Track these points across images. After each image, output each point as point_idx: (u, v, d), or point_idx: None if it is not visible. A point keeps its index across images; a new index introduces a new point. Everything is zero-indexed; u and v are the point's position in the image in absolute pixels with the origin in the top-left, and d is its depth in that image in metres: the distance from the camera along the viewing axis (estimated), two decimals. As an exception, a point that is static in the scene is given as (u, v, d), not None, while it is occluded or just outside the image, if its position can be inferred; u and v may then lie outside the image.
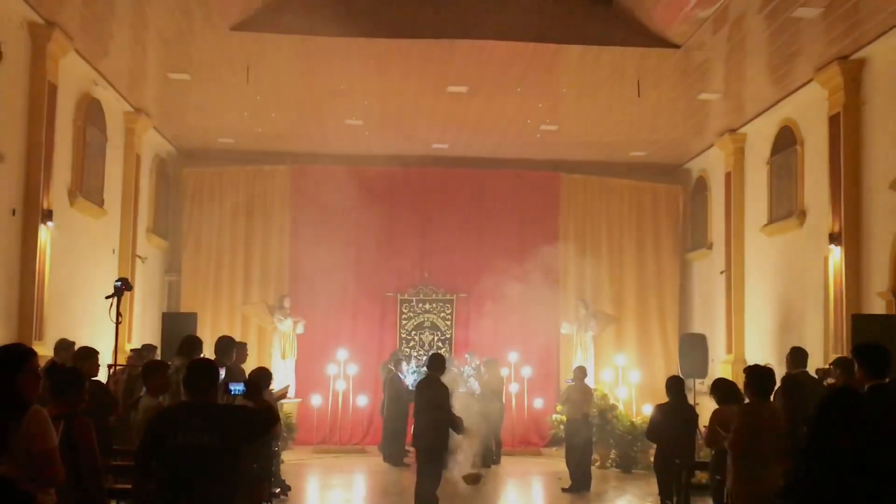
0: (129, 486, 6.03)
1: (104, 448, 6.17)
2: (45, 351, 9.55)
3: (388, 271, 16.40)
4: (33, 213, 10.40)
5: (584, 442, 11.55)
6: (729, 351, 14.49)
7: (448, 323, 16.45)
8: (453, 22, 10.81)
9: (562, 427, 15.04)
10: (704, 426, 9.36)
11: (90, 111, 12.27)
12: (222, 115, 14.18)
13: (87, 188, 12.17)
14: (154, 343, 12.51)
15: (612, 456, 13.58)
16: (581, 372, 11.92)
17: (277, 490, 10.33)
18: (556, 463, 14.13)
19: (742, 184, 14.60)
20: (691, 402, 11.03)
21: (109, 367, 9.49)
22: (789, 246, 12.81)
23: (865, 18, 9.72)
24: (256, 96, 13.06)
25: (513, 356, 15.44)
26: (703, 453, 10.01)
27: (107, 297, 8.24)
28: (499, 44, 11.00)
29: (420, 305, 16.46)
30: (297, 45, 11.15)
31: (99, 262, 12.96)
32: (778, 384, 7.08)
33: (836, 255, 11.06)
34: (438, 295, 16.47)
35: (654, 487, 9.50)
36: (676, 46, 10.89)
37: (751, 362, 12.11)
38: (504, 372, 14.87)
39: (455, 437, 9.87)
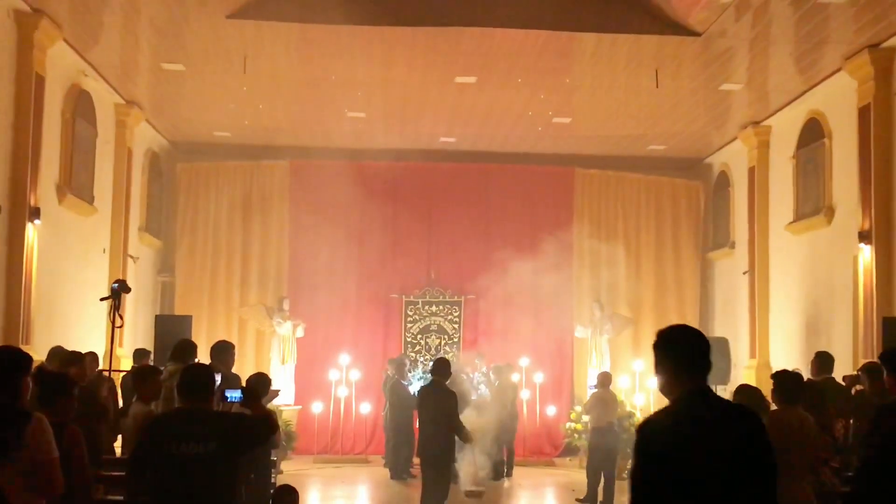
0: (121, 498, 6.02)
1: (94, 457, 6.17)
2: (32, 355, 9.55)
3: (392, 272, 16.38)
4: (20, 210, 10.41)
5: (609, 452, 11.33)
6: (752, 356, 14.44)
7: (455, 326, 16.44)
8: (461, 8, 10.79)
9: (576, 436, 15.05)
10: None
11: (79, 103, 12.29)
12: (218, 107, 14.18)
13: (76, 184, 12.19)
14: (147, 347, 12.52)
15: (629, 466, 13.53)
16: (605, 378, 11.77)
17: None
18: (570, 474, 14.09)
19: (766, 179, 14.55)
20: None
21: (102, 371, 9.50)
22: (816, 245, 12.76)
23: (897, 4, 9.68)
24: (254, 88, 13.06)
25: (524, 361, 15.42)
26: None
27: (102, 300, 8.25)
28: (509, 31, 10.98)
29: (426, 308, 16.44)
30: (297, 33, 11.15)
31: (89, 262, 12.98)
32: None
33: (865, 254, 11.00)
34: (445, 296, 16.46)
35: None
36: (697, 34, 10.85)
37: (775, 368, 12.07)
38: (515, 377, 14.75)
39: (462, 448, 9.87)
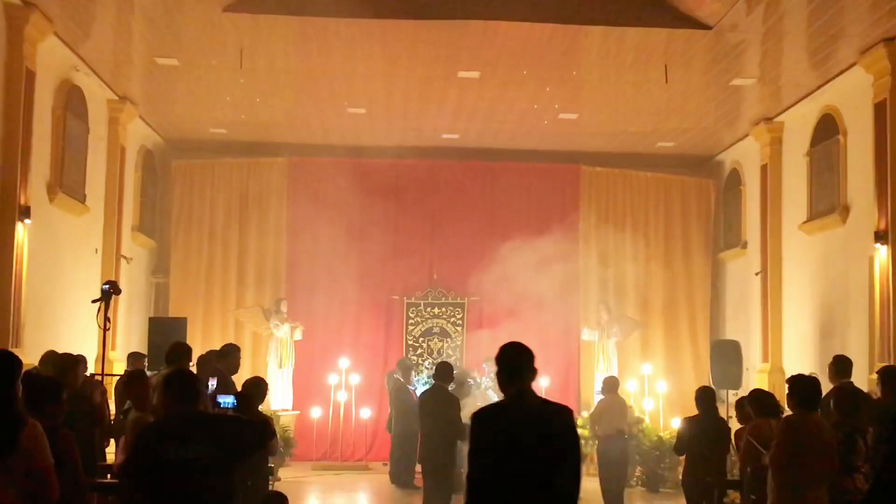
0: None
1: (88, 464, 6.18)
2: (22, 359, 9.55)
3: (393, 273, 16.38)
4: (9, 209, 10.42)
5: (619, 460, 11.06)
6: (765, 359, 14.43)
7: (458, 329, 16.43)
8: (464, 1, 10.79)
9: (583, 443, 15.03)
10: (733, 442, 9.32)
11: (71, 99, 12.30)
12: (214, 103, 14.19)
13: (67, 183, 12.19)
14: (141, 350, 12.52)
15: (638, 473, 13.52)
16: (612, 383, 11.56)
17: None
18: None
19: (779, 177, 14.54)
20: (724, 415, 10.99)
21: (92, 376, 9.50)
22: (831, 245, 12.75)
23: (915, -4, 9.66)
24: (251, 83, 13.06)
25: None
26: (734, 471, 9.96)
27: (93, 301, 8.25)
28: (514, 25, 10.97)
29: (428, 310, 16.43)
30: (295, 26, 11.15)
31: (80, 262, 12.99)
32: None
33: (882, 254, 10.99)
34: (448, 298, 16.45)
35: (684, 508, 9.45)
36: (708, 27, 10.84)
37: (789, 372, 12.08)
38: None
39: (464, 453, 9.84)
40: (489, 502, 4.43)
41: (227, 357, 8.97)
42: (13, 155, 10.45)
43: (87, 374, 9.43)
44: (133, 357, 11.31)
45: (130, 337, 14.65)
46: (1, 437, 4.08)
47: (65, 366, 7.63)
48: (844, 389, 7.40)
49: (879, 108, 11.14)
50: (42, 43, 11.00)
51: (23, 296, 10.58)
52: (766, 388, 11.88)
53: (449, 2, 10.78)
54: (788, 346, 14.05)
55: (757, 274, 14.95)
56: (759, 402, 7.39)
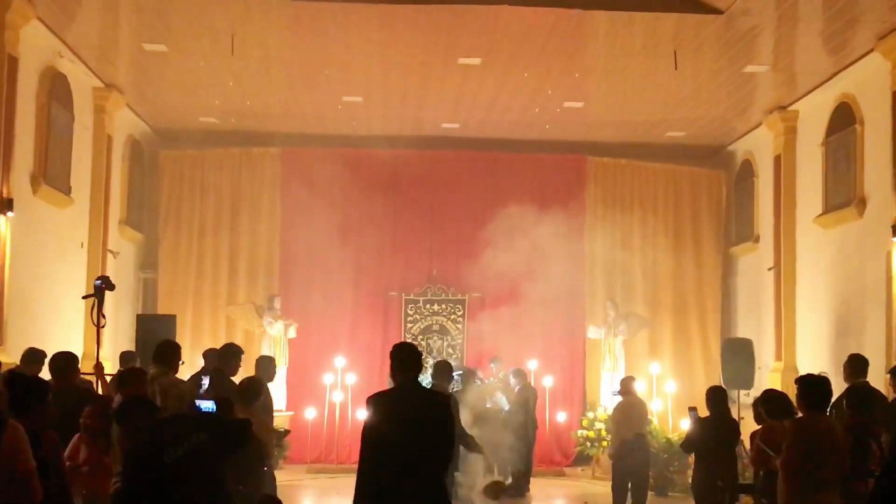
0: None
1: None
2: (5, 358, 9.57)
3: (391, 268, 16.39)
4: (-9, 202, 10.43)
5: (638, 467, 10.75)
6: (778, 358, 14.43)
7: (459, 326, 16.44)
8: (465, -15, 10.77)
9: (588, 444, 15.06)
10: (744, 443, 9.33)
11: (55, 87, 12.29)
12: (204, 91, 14.18)
13: (51, 174, 12.19)
14: (129, 349, 12.52)
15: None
16: (629, 383, 11.30)
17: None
18: (583, 485, 14.12)
19: (793, 168, 14.53)
20: (736, 416, 10.99)
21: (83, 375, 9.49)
22: (847, 239, 12.74)
23: (935, -21, 9.65)
24: (242, 70, 13.05)
25: (533, 363, 15.43)
26: (747, 474, 9.97)
27: (84, 297, 8.24)
28: (516, 10, 10.95)
29: (428, 306, 16.45)
30: (289, 10, 11.13)
31: (65, 257, 12.99)
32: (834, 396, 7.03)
33: (900, 249, 10.99)
34: (448, 294, 16.46)
35: (694, 513, 9.46)
36: (719, 12, 10.82)
37: (803, 371, 12.07)
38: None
39: (466, 459, 9.81)
40: (377, 467, 5.79)
41: (228, 357, 9.17)
42: (-5, 145, 10.45)
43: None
44: (125, 356, 11.31)
45: (117, 335, 14.63)
46: None
47: (66, 364, 7.61)
48: (857, 389, 7.42)
49: (898, 97, 11.14)
50: (25, 28, 10.98)
51: (5, 292, 10.58)
52: (779, 388, 11.87)
53: (449, -15, 10.77)
54: (802, 344, 14.05)
55: (770, 269, 14.94)
56: (771, 403, 7.39)
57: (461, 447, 9.64)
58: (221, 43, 11.85)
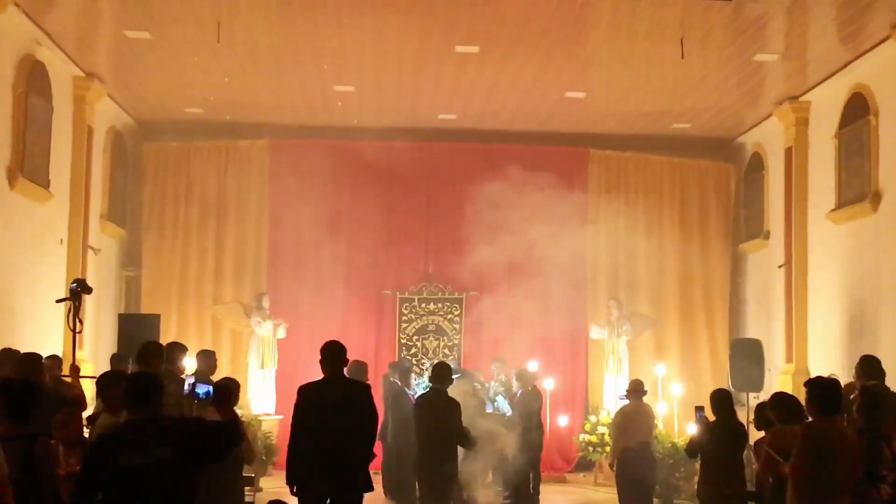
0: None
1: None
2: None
3: (385, 265, 16.39)
4: (-34, 196, 10.41)
5: (642, 476, 10.57)
6: (789, 360, 14.45)
7: (456, 326, 16.44)
8: (462, -31, 10.77)
9: (591, 449, 15.07)
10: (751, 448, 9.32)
11: (33, 76, 12.26)
12: (189, 80, 14.16)
13: (29, 167, 12.16)
14: (112, 350, 12.51)
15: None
16: (638, 386, 11.05)
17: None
18: (585, 492, 14.12)
19: (805, 161, 14.53)
20: (745, 420, 10.99)
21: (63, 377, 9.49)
22: (861, 235, 12.75)
23: (953, -36, 9.65)
24: (229, 58, 13.03)
25: (533, 365, 15.38)
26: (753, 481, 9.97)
27: (59, 301, 8.24)
28: (516, -5, 10.96)
29: (423, 305, 16.45)
30: (277, -3, 11.12)
31: (44, 254, 12.97)
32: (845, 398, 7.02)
33: (917, 245, 11.00)
34: (445, 293, 16.46)
35: (700, 521, 9.46)
36: (727, -2, 10.82)
37: (814, 373, 12.07)
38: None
39: (466, 457, 9.78)
40: (305, 448, 7.18)
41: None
42: (-30, 137, 10.43)
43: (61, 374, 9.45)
44: (116, 358, 11.29)
45: (99, 335, 14.64)
46: None
47: (30, 366, 7.61)
48: (869, 392, 7.41)
49: (914, 87, 11.15)
50: (1, 14, 10.96)
51: (-19, 290, 10.57)
52: (789, 390, 11.88)
53: (445, -30, 10.76)
54: (814, 345, 14.06)
55: (780, 267, 14.95)
56: (781, 407, 7.38)
57: (461, 449, 9.65)
58: (207, 30, 11.82)
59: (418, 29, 11.99)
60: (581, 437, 15.32)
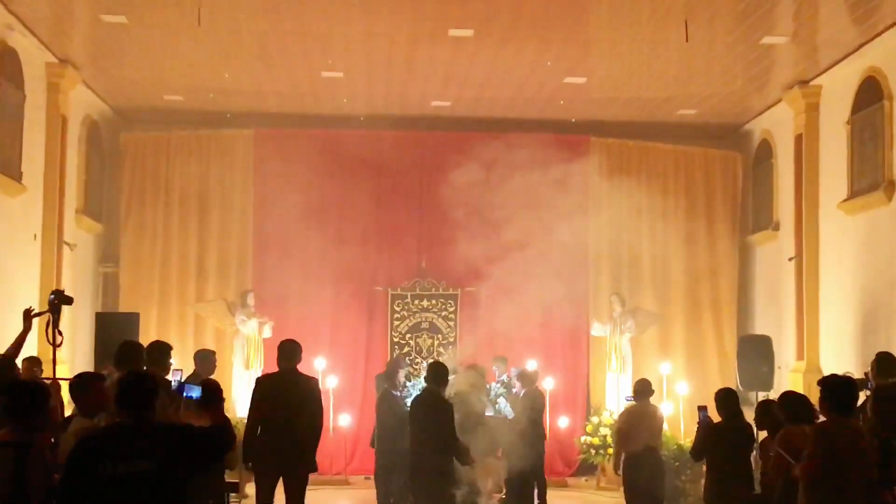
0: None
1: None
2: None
3: (376, 260, 16.39)
4: (-66, 189, 10.39)
5: (648, 484, 10.36)
6: (800, 357, 14.48)
7: (451, 324, 16.45)
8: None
9: (593, 452, 15.09)
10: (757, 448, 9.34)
11: (4, 63, 12.25)
12: (169, 66, 14.14)
13: (0, 159, 12.13)
14: (85, 351, 12.50)
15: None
16: (644, 387, 10.86)
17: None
18: (587, 496, 14.15)
19: (816, 149, 14.55)
20: (751, 420, 11.01)
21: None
22: (875, 226, 12.77)
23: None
24: (211, 43, 13.01)
25: (532, 364, 15.40)
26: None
27: (34, 316, 8.24)
28: (512, -24, 10.95)
29: (416, 302, 16.45)
30: (261, -22, 11.11)
31: (17, 250, 12.95)
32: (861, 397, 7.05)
33: (933, 236, 11.03)
34: (439, 289, 16.47)
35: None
36: (734, -22, 10.83)
37: (827, 371, 12.10)
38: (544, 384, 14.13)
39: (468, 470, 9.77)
40: (261, 430, 9.00)
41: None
42: (-62, 127, 10.41)
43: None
44: (100, 360, 11.29)
45: (75, 335, 14.61)
46: None
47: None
48: (884, 390, 7.45)
49: (930, 70, 11.16)
50: (-30, -2, 10.94)
51: (-49, 289, 10.55)
52: (800, 389, 11.93)
53: (438, -51, 10.75)
54: (826, 341, 14.09)
55: (790, 259, 14.98)
56: (792, 407, 7.41)
57: (455, 460, 9.63)
58: (187, 13, 11.79)
59: (410, 12, 11.97)
60: (582, 439, 15.34)
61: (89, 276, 16.03)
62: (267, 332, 15.48)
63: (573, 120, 16.55)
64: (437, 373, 9.48)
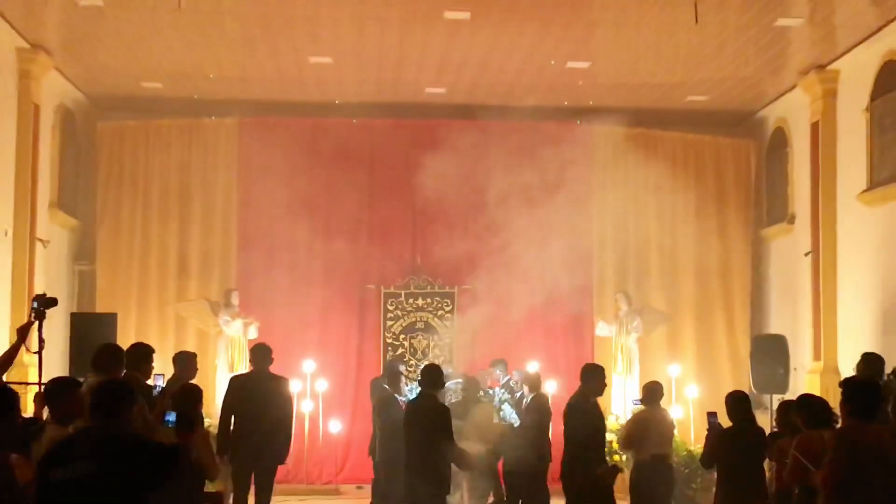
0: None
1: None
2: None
3: (367, 256, 16.37)
4: None
5: (659, 492, 10.21)
6: (816, 358, 14.49)
7: (447, 324, 16.42)
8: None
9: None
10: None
11: (-28, 48, 12.22)
12: (147, 51, 14.11)
13: (-31, 150, 12.14)
14: (59, 354, 12.46)
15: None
16: (654, 390, 10.68)
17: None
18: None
19: (834, 137, 14.55)
20: (766, 425, 11.00)
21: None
22: (896, 219, 12.80)
23: None
24: (192, 27, 12.99)
25: (533, 366, 15.39)
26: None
27: (21, 329, 8.25)
28: (512, -46, 10.95)
29: (411, 301, 16.45)
30: (245, -42, 11.09)
31: (-13, 247, 12.93)
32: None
33: (957, 230, 11.04)
34: (435, 287, 16.46)
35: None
36: (747, -44, 10.83)
37: (845, 373, 12.11)
38: (549, 387, 13.95)
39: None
40: (235, 424, 10.39)
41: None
42: None
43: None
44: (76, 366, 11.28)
45: (49, 337, 14.47)
46: None
47: None
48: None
49: (954, 54, 11.17)
50: (-65, -21, 10.91)
51: (-84, 288, 10.53)
52: (817, 392, 11.93)
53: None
54: (845, 341, 14.10)
55: (807, 254, 14.99)
56: (808, 410, 7.40)
57: (454, 466, 9.64)
58: (167, -5, 11.80)
59: (403, -7, 11.99)
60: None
61: (64, 275, 15.99)
62: (252, 333, 15.45)
63: (576, 107, 16.52)
64: (432, 376, 9.46)
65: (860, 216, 13.72)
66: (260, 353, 10.87)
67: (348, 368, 16.10)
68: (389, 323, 16.42)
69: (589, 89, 15.73)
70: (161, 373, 10.12)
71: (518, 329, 15.71)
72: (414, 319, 16.46)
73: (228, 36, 13.48)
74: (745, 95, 16.21)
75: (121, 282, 16.09)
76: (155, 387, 8.92)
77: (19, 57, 13.81)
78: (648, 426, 10.37)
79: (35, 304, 8.23)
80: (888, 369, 9.55)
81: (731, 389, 10.21)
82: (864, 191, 13.51)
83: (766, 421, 12.83)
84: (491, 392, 12.98)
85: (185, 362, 10.37)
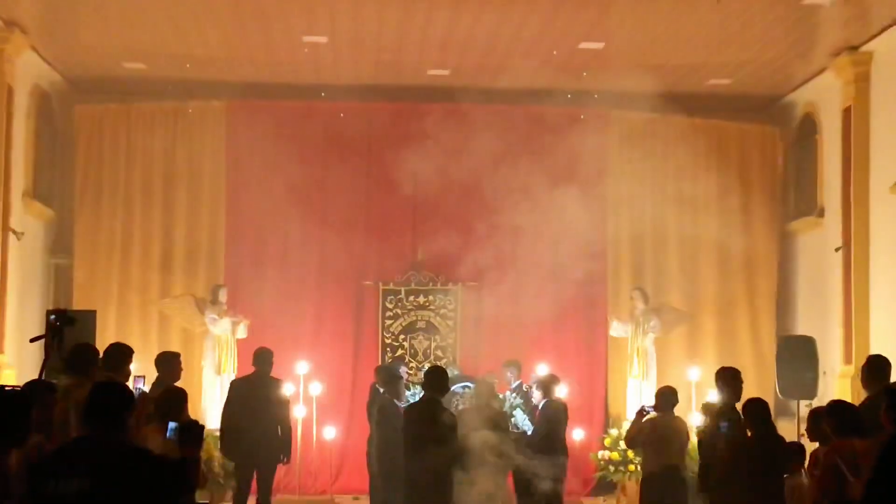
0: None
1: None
2: None
3: (365, 251, 16.37)
4: None
5: None
6: (847, 361, 14.47)
7: (450, 323, 16.43)
8: None
9: (612, 468, 15.08)
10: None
11: (-60, 25, 12.20)
12: (129, 29, 14.10)
13: (-63, 135, 12.13)
14: (34, 354, 12.43)
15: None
16: (668, 395, 10.72)
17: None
18: (604, 519, 14.15)
19: (866, 124, 14.54)
20: (794, 433, 10.97)
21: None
22: (933, 212, 12.77)
23: None
24: (178, 3, 12.99)
25: (542, 369, 15.39)
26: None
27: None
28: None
29: (411, 299, 16.45)
30: (234, -72, 11.08)
31: (-44, 239, 12.92)
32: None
33: None
34: (437, 284, 16.47)
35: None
36: (774, -72, 10.80)
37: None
38: (561, 391, 13.68)
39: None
40: (236, 427, 11.26)
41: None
42: None
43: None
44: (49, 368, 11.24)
45: (23, 335, 14.56)
46: None
47: None
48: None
49: None
50: None
51: None
52: (848, 397, 11.90)
53: None
54: (877, 342, 14.06)
55: (837, 250, 14.97)
56: (839, 418, 7.36)
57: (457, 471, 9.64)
58: (150, -31, 11.79)
59: (403, -33, 11.97)
60: (599, 454, 15.32)
61: (38, 269, 16.00)
62: (241, 333, 15.44)
63: (589, 91, 16.50)
64: (436, 379, 9.45)
65: (894, 209, 13.68)
66: (263, 357, 11.94)
67: (344, 371, 16.09)
68: (388, 322, 16.42)
69: (603, 72, 15.68)
70: (142, 374, 10.12)
71: (526, 329, 15.70)
72: (415, 318, 16.46)
73: (217, 13, 13.47)
74: (772, 79, 16.18)
75: (100, 277, 16.08)
76: (135, 390, 8.91)
77: (-9, 35, 13.82)
78: (663, 434, 10.39)
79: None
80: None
81: (755, 395, 10.18)
82: (899, 182, 13.51)
83: (792, 429, 12.83)
84: (501, 396, 12.92)
85: (169, 364, 10.33)
